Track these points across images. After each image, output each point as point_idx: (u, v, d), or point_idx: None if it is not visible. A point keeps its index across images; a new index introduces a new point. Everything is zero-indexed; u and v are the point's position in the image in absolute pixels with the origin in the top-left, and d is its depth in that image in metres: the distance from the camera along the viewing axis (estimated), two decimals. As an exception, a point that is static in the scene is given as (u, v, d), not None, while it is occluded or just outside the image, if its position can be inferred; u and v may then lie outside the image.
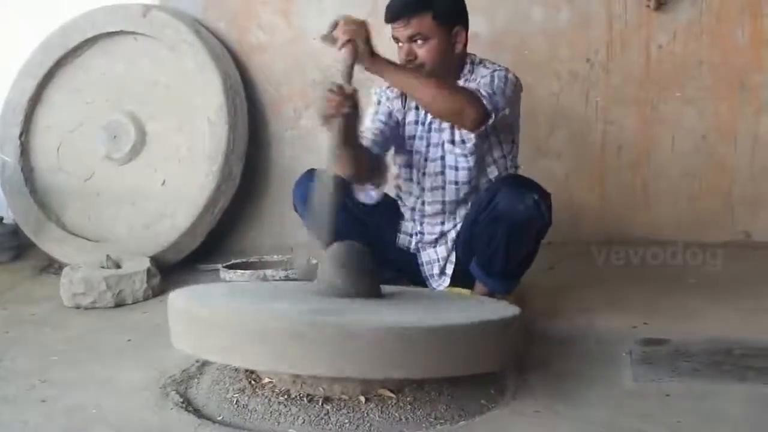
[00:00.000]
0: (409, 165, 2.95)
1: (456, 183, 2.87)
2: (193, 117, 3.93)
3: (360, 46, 2.56)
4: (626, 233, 3.93)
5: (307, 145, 4.12)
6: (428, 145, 2.89)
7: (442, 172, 2.88)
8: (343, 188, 2.90)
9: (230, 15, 4.15)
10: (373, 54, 2.60)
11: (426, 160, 2.89)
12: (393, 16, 2.75)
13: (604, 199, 4.00)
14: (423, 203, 2.93)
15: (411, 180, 2.95)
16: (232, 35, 4.13)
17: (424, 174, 2.90)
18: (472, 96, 2.65)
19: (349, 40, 2.55)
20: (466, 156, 2.84)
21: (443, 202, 2.89)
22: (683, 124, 3.93)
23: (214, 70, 3.89)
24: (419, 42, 2.73)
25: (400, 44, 2.76)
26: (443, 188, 2.89)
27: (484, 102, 2.63)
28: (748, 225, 3.93)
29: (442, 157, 2.88)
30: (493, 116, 2.64)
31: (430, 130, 2.89)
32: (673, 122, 3.93)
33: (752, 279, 3.44)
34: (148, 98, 4.02)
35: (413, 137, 2.92)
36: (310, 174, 2.91)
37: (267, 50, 4.13)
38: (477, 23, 3.92)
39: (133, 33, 4.02)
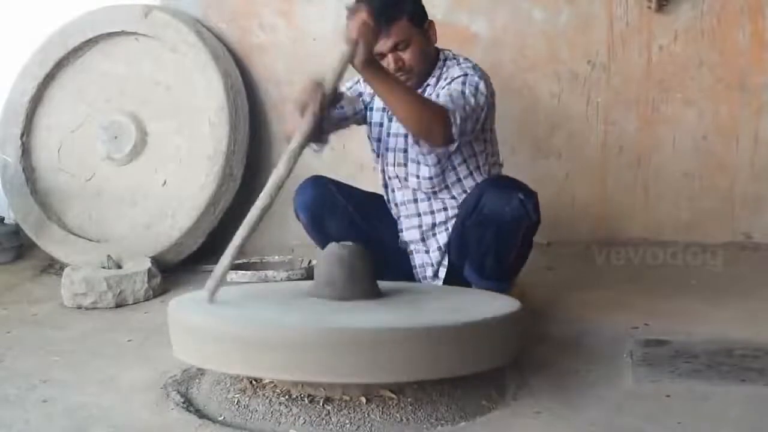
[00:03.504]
0: (376, 154, 2.94)
1: (417, 177, 2.85)
2: (194, 117, 3.93)
3: (361, 50, 2.44)
4: (627, 233, 3.93)
5: (308, 146, 4.12)
6: (388, 135, 2.87)
7: (405, 164, 2.86)
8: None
9: (231, 15, 4.15)
10: (371, 61, 2.49)
11: (387, 149, 2.88)
12: None
13: (604, 200, 4.00)
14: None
15: (380, 170, 2.96)
16: (233, 36, 4.14)
17: (387, 164, 2.90)
18: (445, 119, 2.55)
19: (355, 41, 2.44)
20: (424, 155, 2.80)
21: (414, 191, 2.88)
22: (684, 124, 3.93)
23: (215, 71, 3.89)
24: (402, 48, 2.72)
25: (384, 57, 2.70)
26: (406, 179, 2.88)
27: (453, 130, 2.55)
28: (748, 226, 3.93)
29: (405, 150, 2.85)
30: (457, 143, 2.60)
31: (390, 119, 2.86)
32: (673, 123, 3.93)
33: (753, 280, 3.44)
34: (149, 99, 4.02)
35: (376, 124, 2.91)
36: (312, 180, 2.92)
37: (268, 50, 4.13)
38: (477, 24, 3.95)
39: (134, 33, 4.02)
